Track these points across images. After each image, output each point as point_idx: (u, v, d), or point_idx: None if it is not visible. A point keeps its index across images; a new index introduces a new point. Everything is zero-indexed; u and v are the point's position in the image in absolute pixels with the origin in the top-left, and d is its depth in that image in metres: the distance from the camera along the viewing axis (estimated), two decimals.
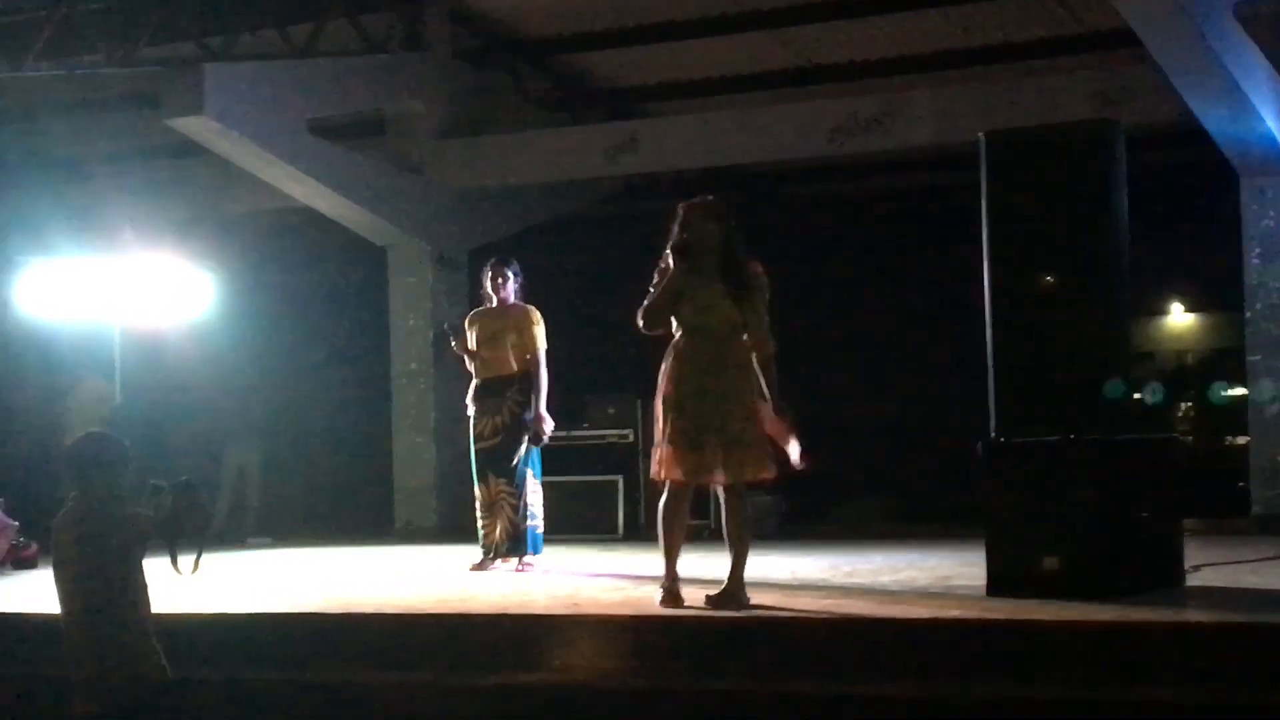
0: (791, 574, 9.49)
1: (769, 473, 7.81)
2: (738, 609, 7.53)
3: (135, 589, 5.97)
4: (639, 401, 13.65)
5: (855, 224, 17.48)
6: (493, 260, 10.55)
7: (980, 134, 8.07)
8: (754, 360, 7.81)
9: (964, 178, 8.97)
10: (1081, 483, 7.54)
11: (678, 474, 7.72)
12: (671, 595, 7.77)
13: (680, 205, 8.03)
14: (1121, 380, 7.49)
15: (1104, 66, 13.60)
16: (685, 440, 7.66)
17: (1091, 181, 7.79)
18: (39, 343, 14.77)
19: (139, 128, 15.49)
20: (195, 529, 6.21)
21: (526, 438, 10.21)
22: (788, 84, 15.34)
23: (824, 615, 7.39)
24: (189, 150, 14.41)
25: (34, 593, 9.96)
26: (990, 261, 7.91)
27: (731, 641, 7.19)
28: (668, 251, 7.93)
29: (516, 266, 10.48)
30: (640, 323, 7.87)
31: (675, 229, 7.96)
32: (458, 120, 15.28)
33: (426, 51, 14.83)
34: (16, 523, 11.93)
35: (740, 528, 7.86)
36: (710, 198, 8.07)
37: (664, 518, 7.89)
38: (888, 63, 14.90)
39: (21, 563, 11.81)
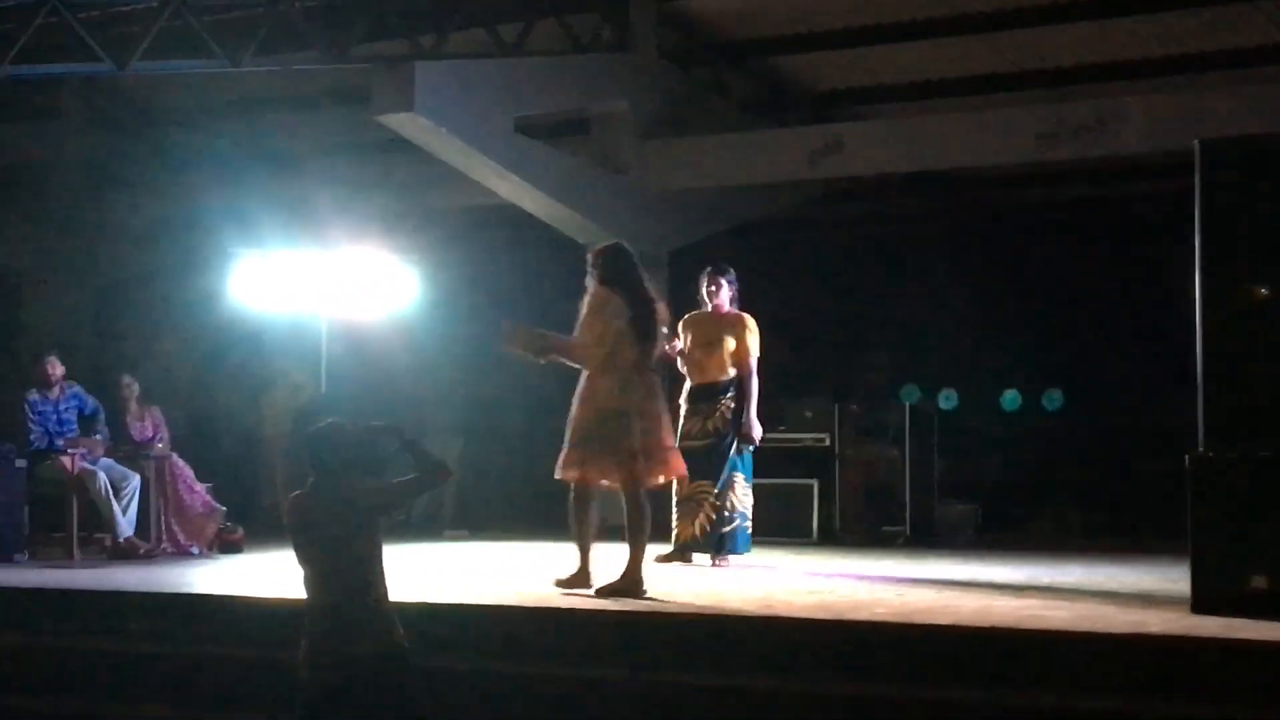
0: (988, 583, 9.40)
1: (635, 478, 8.71)
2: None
3: (376, 562, 6.25)
4: (835, 405, 13.62)
5: (1061, 231, 17.24)
6: (709, 267, 10.89)
7: (1195, 141, 7.92)
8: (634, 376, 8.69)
9: (1175, 185, 8.81)
10: None
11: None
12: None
13: None
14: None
15: None
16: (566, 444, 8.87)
17: None
18: (249, 335, 15.13)
19: (347, 123, 15.80)
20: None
21: (736, 442, 10.50)
22: (996, 89, 15.18)
23: (1022, 627, 7.30)
24: (395, 146, 14.66)
25: (241, 576, 10.25)
26: (1202, 271, 7.74)
27: (925, 649, 7.14)
28: None
29: (733, 275, 10.87)
30: None
31: None
32: (662, 121, 15.34)
33: (632, 52, 14.91)
34: (224, 508, 12.26)
35: (629, 525, 8.72)
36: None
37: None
38: (1099, 68, 14.67)
39: (228, 547, 12.14)
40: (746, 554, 10.64)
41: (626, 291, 8.75)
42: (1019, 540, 13.43)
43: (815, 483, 13.40)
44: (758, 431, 10.55)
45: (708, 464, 10.43)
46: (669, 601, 8.42)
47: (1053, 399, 16.09)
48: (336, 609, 6.11)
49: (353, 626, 6.09)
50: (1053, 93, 14.71)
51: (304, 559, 6.22)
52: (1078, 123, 13.50)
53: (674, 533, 10.61)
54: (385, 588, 6.29)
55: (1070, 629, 7.24)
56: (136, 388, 12.44)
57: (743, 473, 10.57)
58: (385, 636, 6.15)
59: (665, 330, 9.17)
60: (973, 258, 17.08)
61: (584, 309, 8.75)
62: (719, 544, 10.49)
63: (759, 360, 10.61)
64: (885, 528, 13.47)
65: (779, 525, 13.08)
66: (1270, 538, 7.36)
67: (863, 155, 14.51)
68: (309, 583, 6.22)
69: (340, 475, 6.20)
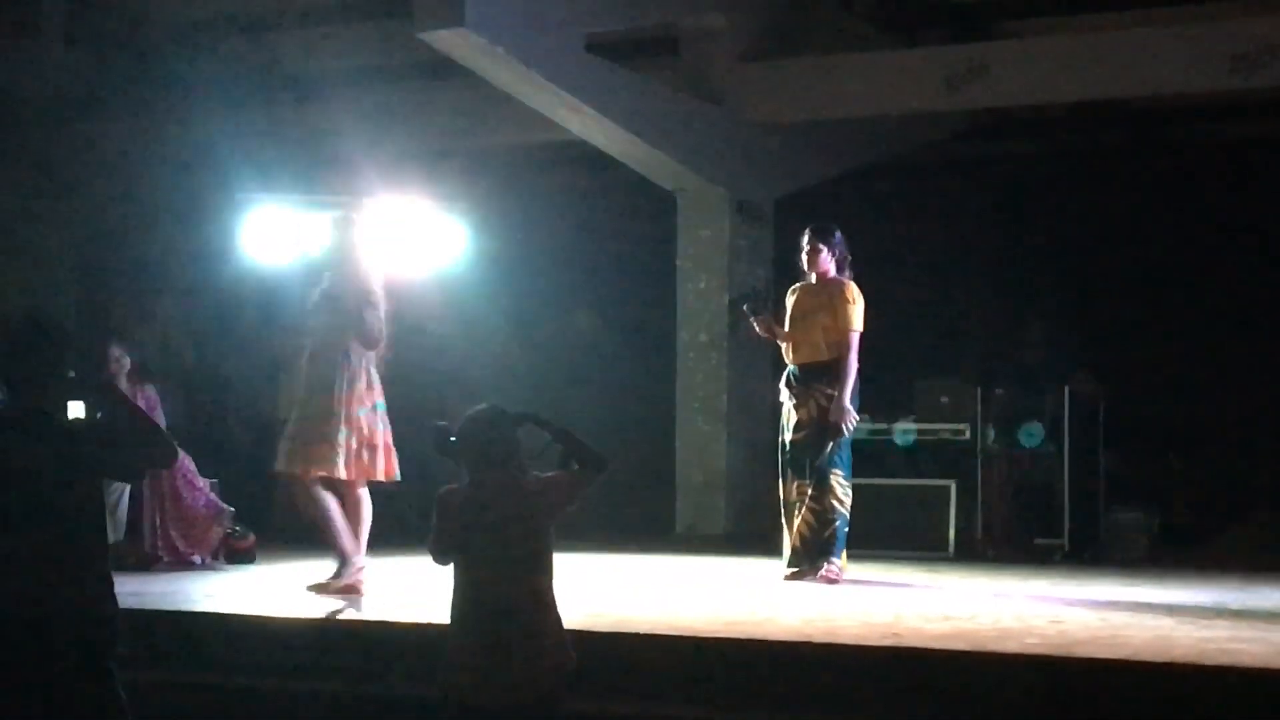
0: (1166, 608, 9.35)
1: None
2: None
3: (550, 572, 6.30)
4: (978, 390, 13.52)
5: (1260, 175, 17.06)
6: (809, 228, 10.94)
7: None
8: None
9: None
10: None
11: None
12: None
13: None
14: None
15: None
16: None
17: None
18: (263, 298, 15.20)
19: (382, 42, 15.83)
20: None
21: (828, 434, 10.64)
22: (1179, 2, 15.03)
23: (1207, 663, 7.26)
24: (440, 71, 14.69)
25: (252, 591, 10.31)
26: None
27: (1087, 688, 7.12)
28: None
29: (839, 237, 10.94)
30: None
31: None
32: (767, 39, 15.30)
33: None
34: (232, 509, 12.32)
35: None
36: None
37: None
38: None
39: (236, 555, 12.22)
40: (844, 564, 10.75)
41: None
42: (1204, 556, 13.33)
43: (953, 484, 13.33)
44: (852, 420, 10.65)
45: (804, 462, 10.68)
46: (774, 626, 8.43)
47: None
48: (503, 626, 6.10)
49: (520, 647, 6.09)
50: (1252, 5, 14.55)
51: (464, 567, 6.23)
52: None
53: (785, 545, 10.80)
54: (556, 603, 6.32)
55: (1267, 665, 7.19)
56: (127, 361, 12.54)
57: (841, 469, 10.67)
58: (556, 661, 6.16)
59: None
60: (1147, 208, 16.93)
61: (371, 295, 10.53)
62: (821, 551, 10.60)
63: (861, 336, 10.71)
64: (1039, 539, 13.38)
65: (908, 536, 13.04)
66: None
67: (1013, 82, 14.42)
68: (467, 597, 6.21)
69: (504, 467, 6.30)
